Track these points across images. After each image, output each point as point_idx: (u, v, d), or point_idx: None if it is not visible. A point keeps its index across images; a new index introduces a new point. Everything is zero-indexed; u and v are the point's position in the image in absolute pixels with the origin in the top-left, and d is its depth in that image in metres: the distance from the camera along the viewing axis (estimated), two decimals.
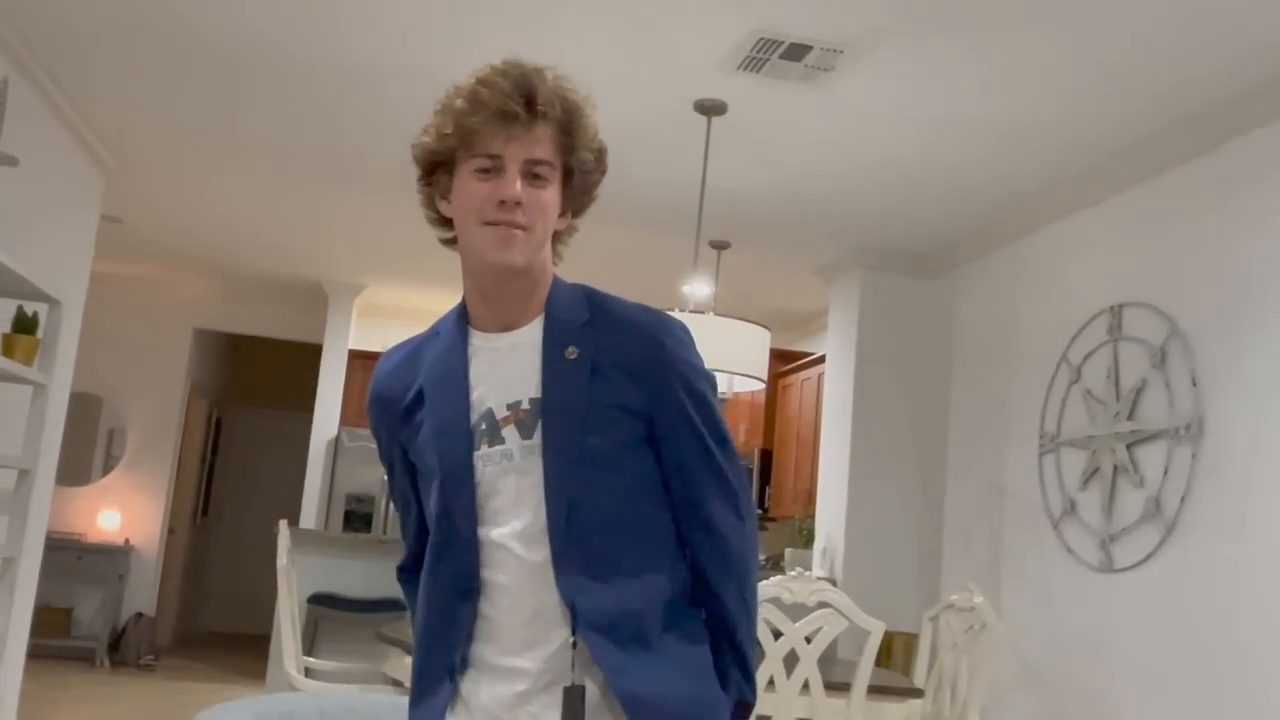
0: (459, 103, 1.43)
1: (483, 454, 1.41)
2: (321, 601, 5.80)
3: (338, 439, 7.81)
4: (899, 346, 5.81)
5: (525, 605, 1.38)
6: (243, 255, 7.33)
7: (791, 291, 6.86)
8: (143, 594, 8.22)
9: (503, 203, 1.39)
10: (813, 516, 6.10)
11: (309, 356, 8.36)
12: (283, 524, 4.02)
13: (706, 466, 1.45)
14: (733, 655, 1.45)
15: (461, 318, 1.49)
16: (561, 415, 1.40)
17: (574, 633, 1.36)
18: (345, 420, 7.90)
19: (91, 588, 7.89)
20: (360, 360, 8.07)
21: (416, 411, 1.47)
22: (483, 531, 1.41)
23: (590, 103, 1.47)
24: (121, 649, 7.80)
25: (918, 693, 3.45)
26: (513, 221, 1.39)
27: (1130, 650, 4.09)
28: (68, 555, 7.74)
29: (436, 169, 1.46)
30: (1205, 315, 3.90)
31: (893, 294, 5.84)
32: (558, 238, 1.50)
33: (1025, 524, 4.80)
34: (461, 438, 1.42)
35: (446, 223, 1.48)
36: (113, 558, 7.99)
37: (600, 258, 6.62)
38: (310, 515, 7.68)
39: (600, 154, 1.50)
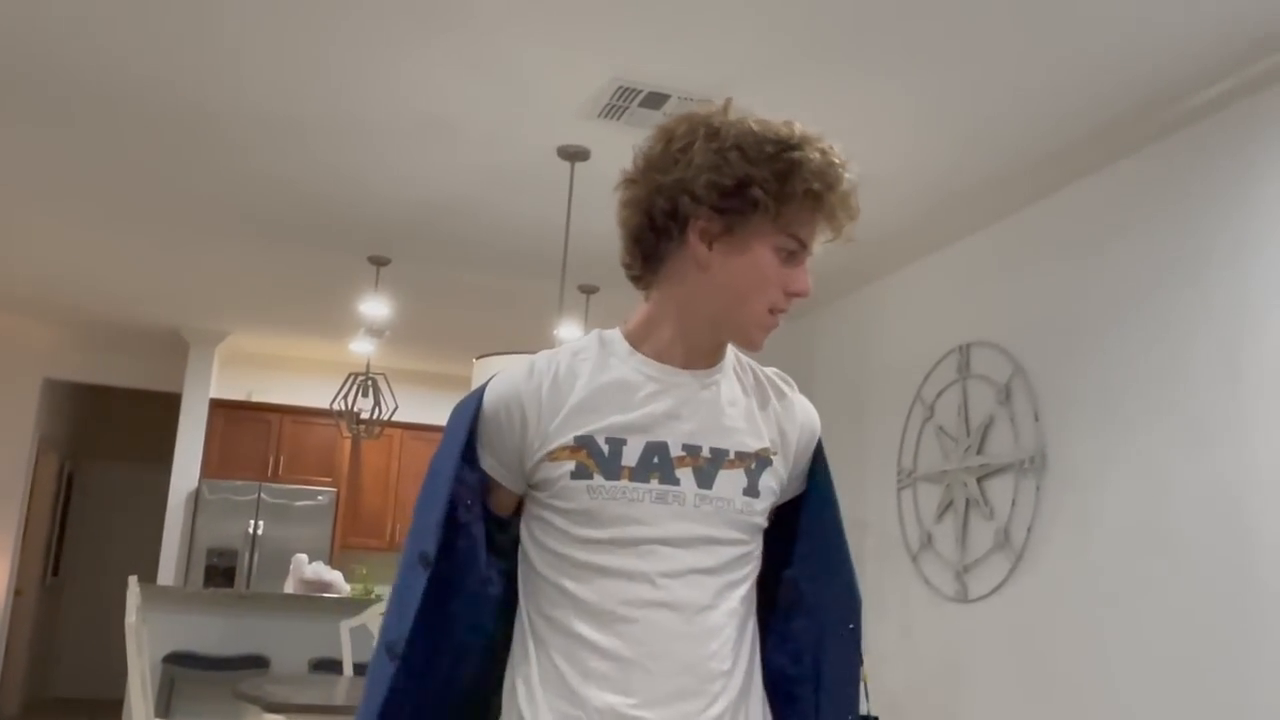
0: (796, 157, 1.30)
1: (649, 488, 1.31)
2: (178, 660, 5.58)
3: (198, 491, 7.54)
4: None
5: (679, 650, 1.29)
6: (95, 302, 7.07)
7: None
8: None
9: (791, 295, 1.34)
10: None
11: (168, 407, 8.07)
12: (132, 580, 3.86)
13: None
14: None
15: (618, 342, 1.40)
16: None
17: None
18: (206, 472, 7.65)
19: None
20: (223, 409, 7.85)
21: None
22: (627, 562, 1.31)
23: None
24: None
25: None
26: (784, 312, 1.36)
27: (985, 677, 4.23)
28: None
29: (729, 212, 1.30)
30: (1045, 353, 4.10)
31: None
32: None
33: (885, 557, 4.93)
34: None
35: (656, 239, 1.36)
36: None
37: (471, 302, 6.61)
38: (169, 571, 7.38)
39: None
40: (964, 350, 4.54)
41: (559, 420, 1.34)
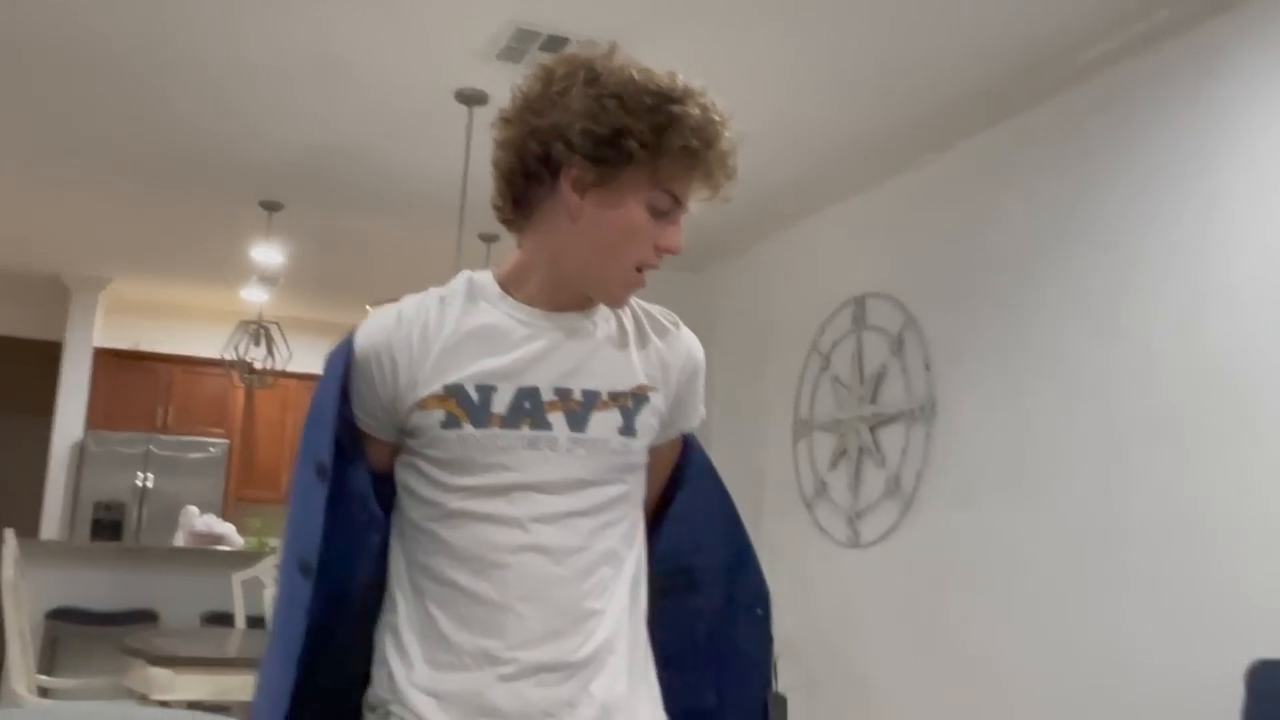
0: (675, 111, 1.26)
1: (520, 434, 1.29)
2: (63, 616, 5.42)
3: (83, 444, 7.29)
4: None
5: (551, 593, 1.28)
6: None
7: None
8: None
9: (662, 252, 1.33)
10: None
11: (49, 356, 7.75)
12: (9, 534, 3.72)
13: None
14: None
15: (489, 286, 1.37)
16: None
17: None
18: (92, 424, 7.40)
19: None
20: (108, 358, 7.58)
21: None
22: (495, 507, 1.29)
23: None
24: None
25: None
26: (654, 269, 1.34)
27: (877, 620, 4.35)
28: None
29: (603, 163, 1.27)
30: (937, 304, 4.19)
31: (660, 288, 5.85)
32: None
33: (782, 506, 5.02)
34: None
35: (528, 183, 1.32)
36: None
37: (366, 249, 6.47)
38: (53, 525, 7.14)
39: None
40: (859, 302, 4.61)
41: (428, 367, 1.31)
